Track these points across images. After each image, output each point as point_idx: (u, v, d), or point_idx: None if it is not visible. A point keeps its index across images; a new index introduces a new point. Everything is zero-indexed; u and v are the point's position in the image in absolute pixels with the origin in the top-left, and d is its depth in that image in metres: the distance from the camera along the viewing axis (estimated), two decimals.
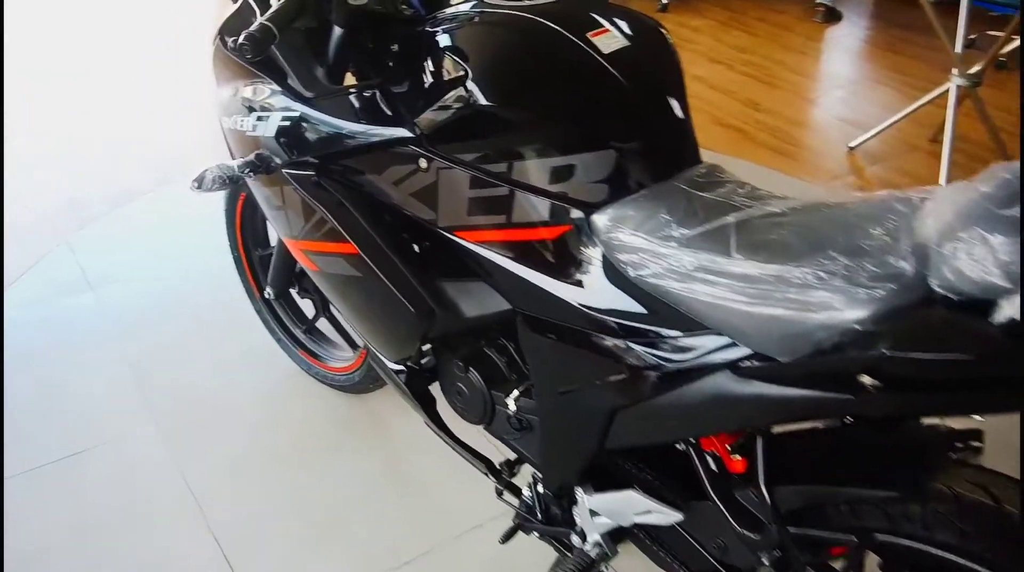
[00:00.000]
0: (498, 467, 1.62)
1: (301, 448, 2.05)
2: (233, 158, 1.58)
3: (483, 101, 1.18)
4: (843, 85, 4.31)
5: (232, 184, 1.48)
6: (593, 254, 1.18)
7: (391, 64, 1.38)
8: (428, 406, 1.65)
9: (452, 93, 1.21)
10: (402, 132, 1.29)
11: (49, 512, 1.89)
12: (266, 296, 2.14)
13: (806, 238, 1.02)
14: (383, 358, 1.60)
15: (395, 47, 1.39)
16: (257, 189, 1.62)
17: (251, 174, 1.48)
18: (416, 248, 1.38)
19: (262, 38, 1.16)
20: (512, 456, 1.59)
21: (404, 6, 1.43)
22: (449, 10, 1.37)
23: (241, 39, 1.15)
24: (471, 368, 1.48)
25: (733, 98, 4.03)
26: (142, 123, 3.78)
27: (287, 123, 1.44)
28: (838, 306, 0.93)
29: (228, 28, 1.52)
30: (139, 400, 2.18)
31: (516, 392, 1.42)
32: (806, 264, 0.98)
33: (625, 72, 1.20)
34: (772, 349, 1.02)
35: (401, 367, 1.58)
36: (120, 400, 2.18)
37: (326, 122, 1.39)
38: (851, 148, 3.57)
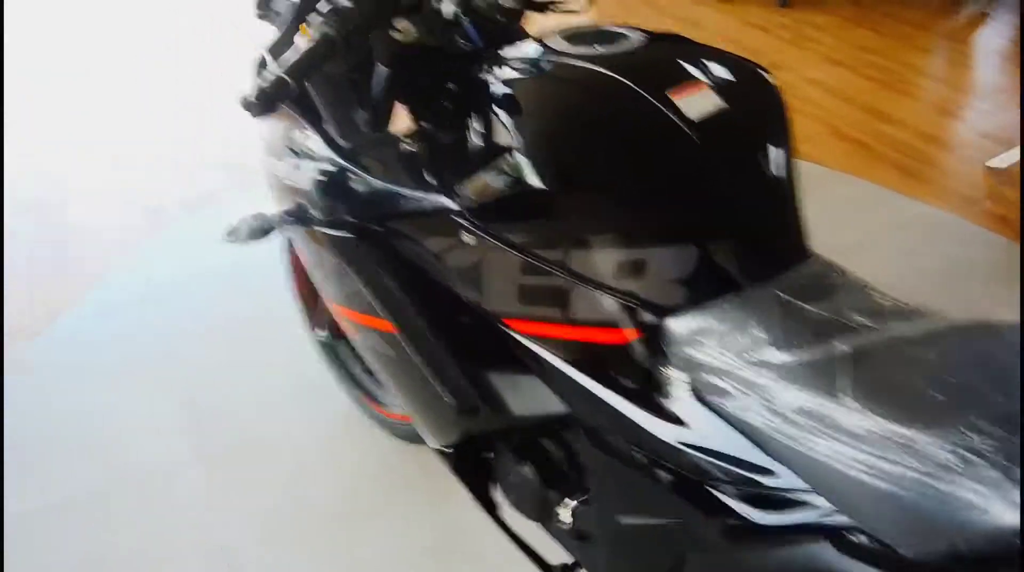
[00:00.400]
0: (553, 568, 1.41)
1: (346, 504, 1.89)
2: (276, 202, 1.42)
3: (533, 181, 0.96)
4: (985, 94, 3.87)
5: (266, 235, 1.32)
6: (664, 368, 0.96)
7: (446, 106, 1.18)
8: (478, 490, 1.45)
9: (498, 164, 0.99)
10: (444, 201, 1.09)
11: (66, 547, 1.80)
12: (317, 337, 1.98)
13: (946, 388, 0.78)
14: (427, 438, 1.41)
15: (451, 86, 1.19)
16: (297, 239, 1.45)
17: (289, 225, 1.32)
18: (460, 333, 1.18)
19: (273, 93, 0.98)
20: (571, 559, 1.38)
21: (461, 40, 1.22)
22: (512, 51, 1.15)
23: (251, 95, 0.97)
24: (526, 461, 1.28)
25: (854, 106, 3.66)
26: (216, 122, 3.67)
27: (322, 177, 1.26)
28: (985, 506, 0.68)
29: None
30: (186, 433, 2.05)
31: (574, 502, 1.21)
32: (944, 431, 0.73)
33: (717, 145, 0.96)
34: (889, 536, 0.78)
35: (448, 449, 1.39)
36: (166, 432, 2.06)
37: (362, 180, 1.20)
38: (990, 168, 3.18)
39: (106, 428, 2.09)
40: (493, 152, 1.02)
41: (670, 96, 0.97)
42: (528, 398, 1.16)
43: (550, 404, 1.12)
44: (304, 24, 1.11)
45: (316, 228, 1.30)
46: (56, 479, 1.95)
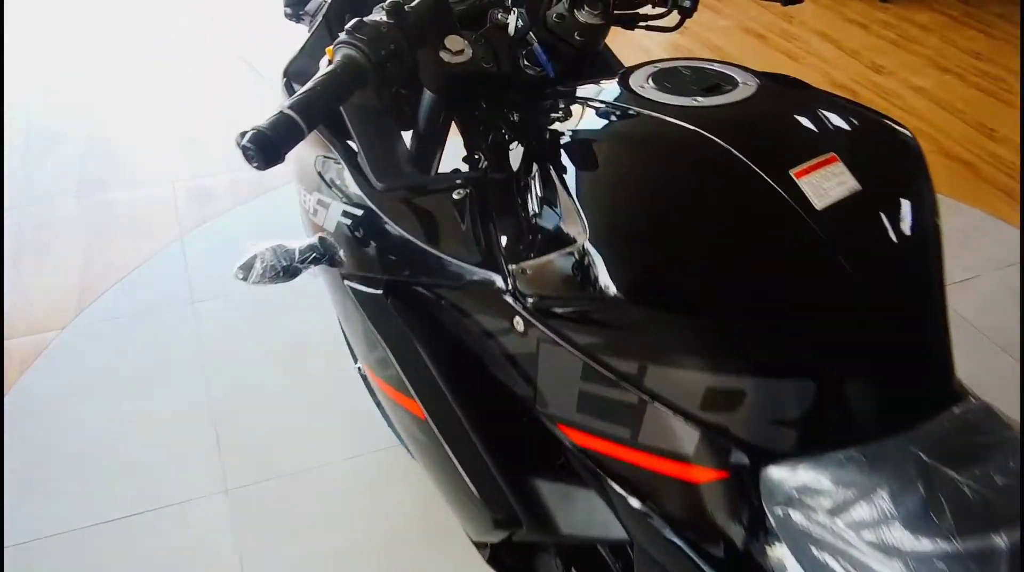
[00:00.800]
0: None
1: (384, 549, 1.72)
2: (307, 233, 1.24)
3: (606, 284, 0.76)
4: None
5: (288, 276, 1.14)
6: (755, 524, 0.76)
7: (504, 149, 0.99)
8: None
9: (564, 250, 0.79)
10: (493, 277, 0.90)
11: None
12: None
13: None
14: (462, 526, 1.23)
15: (515, 118, 1.00)
16: (326, 281, 1.26)
17: (312, 264, 1.14)
18: (503, 431, 0.99)
19: (274, 136, 0.75)
20: None
21: (527, 63, 1.02)
22: (588, 89, 0.95)
23: (246, 138, 0.75)
24: (573, 570, 1.09)
25: (962, 119, 3.34)
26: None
27: (348, 221, 1.07)
28: None
29: (295, 70, 1.15)
30: (215, 461, 1.89)
31: None
32: None
33: (850, 247, 0.74)
34: None
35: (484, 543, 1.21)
36: (194, 457, 1.90)
37: (395, 235, 1.01)
38: None
39: (126, 445, 1.94)
40: (558, 231, 0.81)
41: (793, 176, 0.75)
42: (581, 517, 0.96)
43: (608, 528, 0.93)
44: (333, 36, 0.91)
45: (343, 278, 1.12)
46: (68, 503, 1.81)
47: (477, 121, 1.03)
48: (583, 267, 0.77)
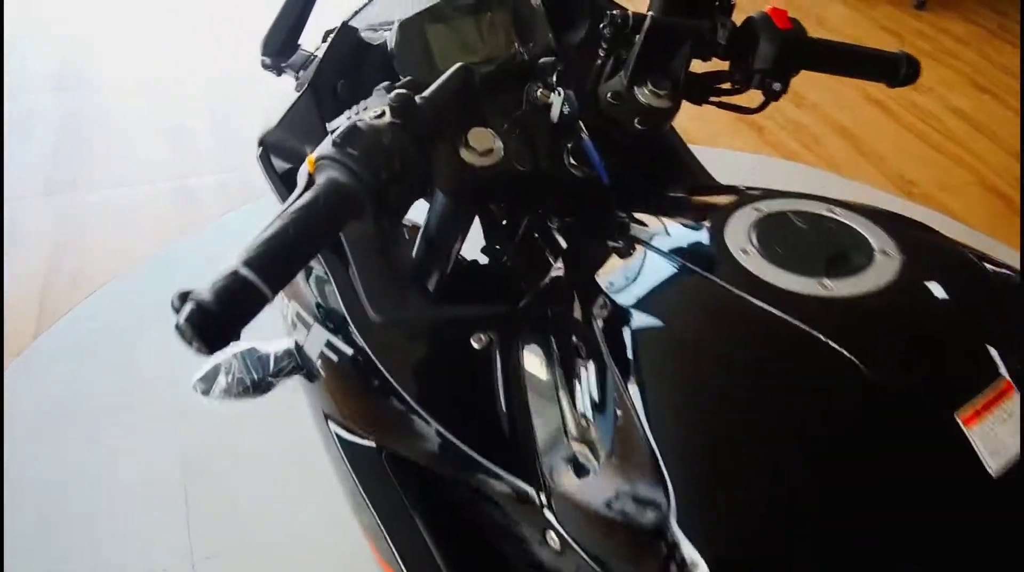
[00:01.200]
0: None
1: None
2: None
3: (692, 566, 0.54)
4: None
5: (259, 392, 0.94)
6: None
7: (538, 241, 0.80)
8: None
9: (630, 512, 0.58)
10: (522, 485, 0.69)
11: None
12: None
13: None
14: None
15: (554, 223, 0.81)
16: (304, 391, 1.04)
17: (290, 375, 0.94)
18: None
19: (224, 313, 0.52)
20: None
21: (574, 163, 0.82)
22: (663, 227, 0.73)
23: (182, 315, 0.52)
24: None
25: (1000, 146, 3.13)
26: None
27: (333, 356, 0.85)
28: None
29: (274, 142, 0.92)
30: (181, 524, 1.66)
31: None
32: None
33: None
34: None
35: None
36: (158, 522, 1.67)
37: (391, 391, 0.79)
38: None
39: (78, 503, 1.71)
40: (622, 471, 0.60)
41: (960, 423, 0.55)
42: None
43: None
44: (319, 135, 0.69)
45: (326, 417, 0.90)
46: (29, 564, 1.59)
47: (503, 216, 0.84)
48: (660, 540, 0.55)
